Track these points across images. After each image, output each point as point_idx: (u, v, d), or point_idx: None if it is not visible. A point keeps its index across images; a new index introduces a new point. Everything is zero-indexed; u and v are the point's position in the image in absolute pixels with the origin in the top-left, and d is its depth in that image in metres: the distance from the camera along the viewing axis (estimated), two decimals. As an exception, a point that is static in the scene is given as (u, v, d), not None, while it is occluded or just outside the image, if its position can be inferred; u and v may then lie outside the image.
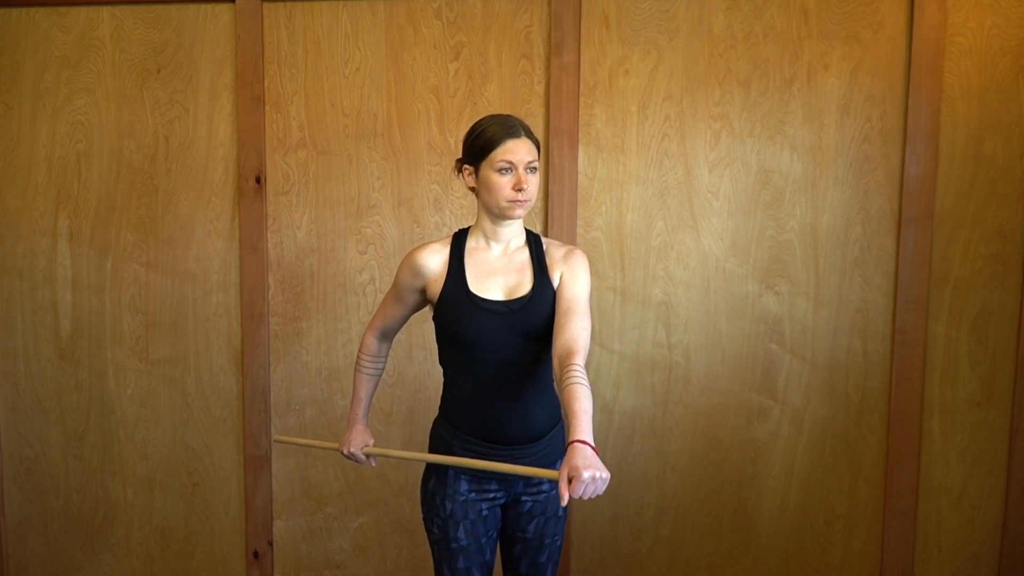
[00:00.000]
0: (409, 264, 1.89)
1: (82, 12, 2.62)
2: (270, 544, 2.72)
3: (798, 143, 2.47)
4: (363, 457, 2.02)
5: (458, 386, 1.87)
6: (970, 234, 2.45)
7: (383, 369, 2.09)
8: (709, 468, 2.59)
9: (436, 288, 1.85)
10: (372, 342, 2.04)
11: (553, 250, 1.89)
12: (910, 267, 2.44)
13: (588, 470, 1.48)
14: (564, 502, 1.48)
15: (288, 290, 2.65)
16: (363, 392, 2.05)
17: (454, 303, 1.82)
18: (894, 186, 2.45)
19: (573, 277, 1.84)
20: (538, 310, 1.82)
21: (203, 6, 2.59)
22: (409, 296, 1.93)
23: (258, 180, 2.61)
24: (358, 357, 2.07)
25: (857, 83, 2.44)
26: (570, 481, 1.48)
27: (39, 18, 2.63)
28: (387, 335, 2.05)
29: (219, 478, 2.74)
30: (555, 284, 1.85)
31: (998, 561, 2.52)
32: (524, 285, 1.84)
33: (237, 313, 2.67)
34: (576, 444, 1.54)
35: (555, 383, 1.70)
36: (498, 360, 1.82)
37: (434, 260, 1.86)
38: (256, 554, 2.72)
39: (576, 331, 1.75)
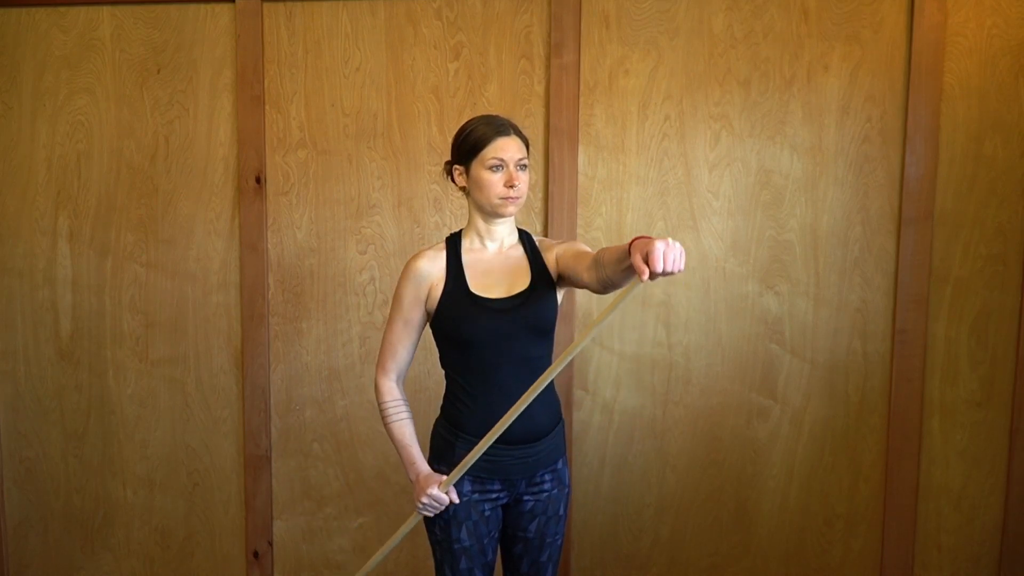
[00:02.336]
0: (412, 274, 1.86)
1: (82, 12, 2.62)
2: (270, 544, 2.72)
3: (798, 143, 2.47)
4: (446, 496, 1.80)
5: (461, 387, 1.87)
6: (970, 234, 2.45)
7: (409, 407, 1.93)
8: (709, 468, 2.59)
9: (437, 293, 1.85)
10: (391, 387, 1.90)
11: (546, 243, 1.93)
12: (910, 267, 2.44)
13: (659, 240, 1.45)
14: (645, 277, 1.44)
15: (288, 290, 2.65)
16: (408, 438, 1.88)
17: (456, 305, 1.82)
18: (894, 186, 2.45)
19: (567, 244, 1.88)
20: (540, 301, 1.83)
21: (203, 6, 2.60)
22: (416, 312, 1.87)
23: (258, 180, 2.61)
24: (382, 408, 1.89)
25: (857, 83, 2.44)
26: (646, 261, 1.44)
27: (39, 18, 2.63)
28: (401, 374, 1.92)
29: (219, 478, 2.74)
30: (552, 269, 1.87)
31: (998, 561, 2.52)
32: (523, 280, 1.86)
33: (237, 313, 2.67)
34: (634, 240, 1.51)
35: (600, 273, 1.65)
36: (502, 358, 1.82)
37: (434, 266, 1.85)
38: (256, 554, 2.72)
39: (591, 251, 1.76)
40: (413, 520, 1.86)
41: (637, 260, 1.46)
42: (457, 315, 1.82)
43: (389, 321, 1.90)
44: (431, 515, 1.82)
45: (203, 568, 2.78)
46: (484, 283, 1.84)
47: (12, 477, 2.80)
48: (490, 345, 1.81)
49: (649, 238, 1.49)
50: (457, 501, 1.81)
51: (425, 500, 1.80)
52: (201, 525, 2.76)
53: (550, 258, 1.89)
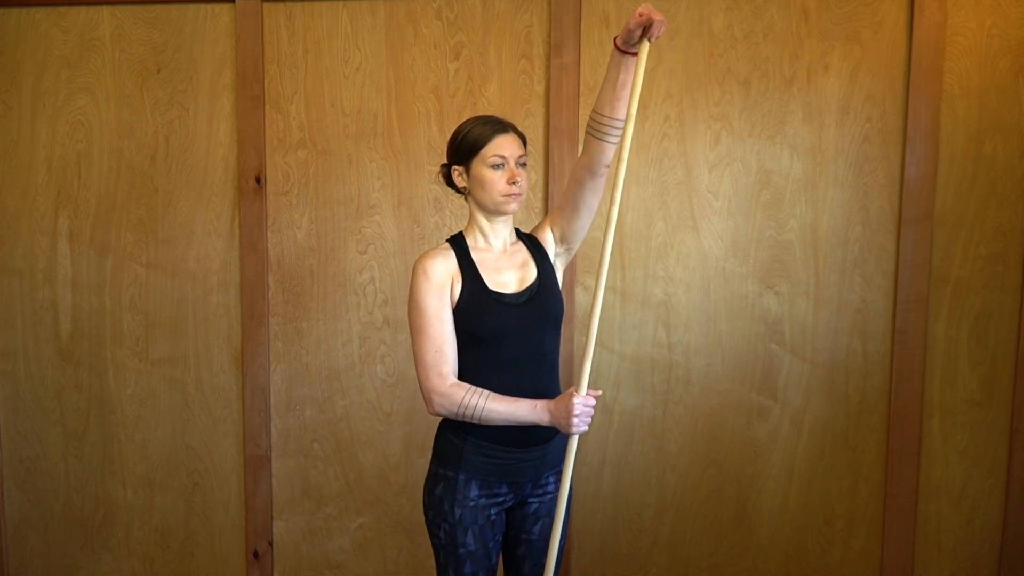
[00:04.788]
0: (430, 273, 1.81)
1: (82, 12, 2.62)
2: (270, 544, 2.72)
3: (798, 143, 2.47)
4: (591, 398, 1.74)
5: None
6: (970, 234, 2.45)
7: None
8: (709, 468, 2.59)
9: (455, 292, 1.82)
10: (457, 383, 1.79)
11: (536, 230, 1.97)
12: (910, 267, 2.44)
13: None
14: (655, 17, 1.62)
15: (288, 290, 2.65)
16: (510, 399, 1.78)
17: (476, 303, 1.81)
18: (894, 186, 2.45)
19: (550, 215, 1.96)
20: (550, 290, 1.87)
21: (203, 6, 2.59)
22: (447, 309, 1.81)
23: (258, 180, 2.61)
24: (465, 405, 1.76)
25: (857, 83, 2.44)
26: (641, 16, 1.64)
27: (39, 18, 2.63)
28: (455, 372, 1.82)
29: (219, 478, 2.74)
30: (548, 245, 1.92)
31: (998, 561, 2.52)
32: (531, 272, 1.87)
33: (237, 313, 2.67)
34: (615, 40, 1.69)
35: (596, 120, 1.76)
36: (521, 353, 1.82)
37: (448, 264, 1.83)
38: (256, 554, 2.72)
39: None
40: (573, 446, 1.76)
41: (634, 20, 1.63)
42: (480, 312, 1.80)
43: (421, 331, 1.79)
44: (587, 427, 1.73)
45: (203, 568, 2.78)
46: (498, 280, 1.84)
47: (12, 477, 2.80)
48: (512, 340, 1.81)
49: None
50: (600, 392, 1.77)
51: (578, 411, 1.71)
52: (201, 525, 2.76)
53: (544, 237, 1.93)
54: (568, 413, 1.72)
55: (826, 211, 2.48)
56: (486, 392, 1.78)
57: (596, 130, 1.76)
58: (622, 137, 1.72)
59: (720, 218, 2.51)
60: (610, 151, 1.77)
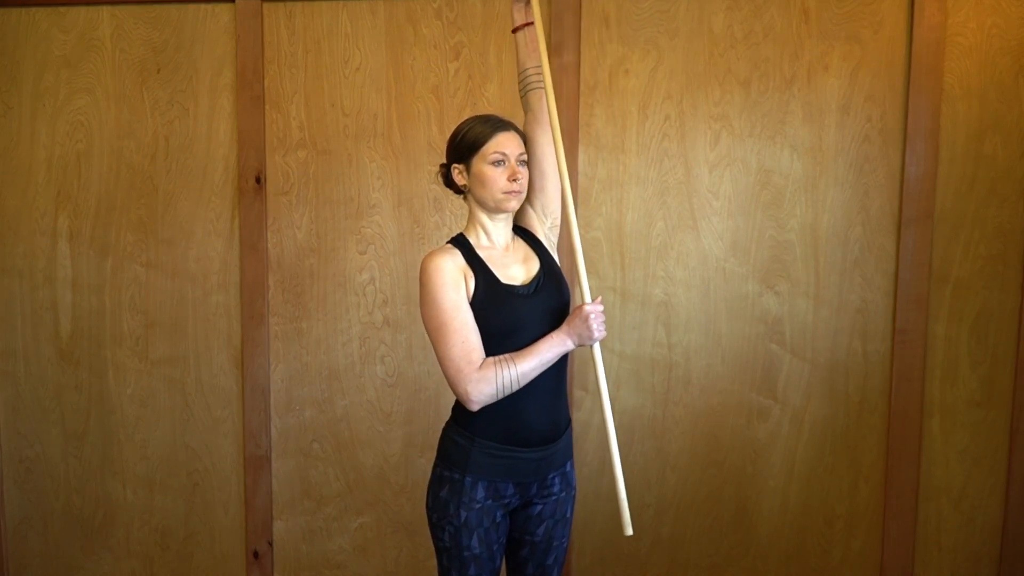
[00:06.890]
0: (443, 269, 1.78)
1: (82, 12, 2.62)
2: (270, 544, 2.72)
3: (798, 143, 2.47)
4: (595, 304, 1.80)
5: None
6: (970, 234, 2.45)
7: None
8: (709, 468, 2.59)
9: (470, 289, 1.81)
10: (487, 363, 1.77)
11: (523, 219, 1.97)
12: (910, 267, 2.44)
13: None
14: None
15: (288, 290, 2.65)
16: (530, 347, 1.79)
17: (492, 298, 1.80)
18: (894, 186, 2.45)
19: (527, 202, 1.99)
20: (556, 277, 1.89)
21: (203, 6, 2.60)
22: (464, 298, 1.79)
23: (258, 180, 2.61)
24: (501, 375, 1.75)
25: (857, 83, 2.44)
26: None
27: (39, 18, 2.63)
28: (482, 355, 1.78)
29: (219, 478, 2.74)
30: (539, 224, 1.94)
31: (998, 561, 2.52)
32: (534, 264, 1.88)
33: (237, 313, 2.67)
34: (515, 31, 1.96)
35: (521, 82, 1.97)
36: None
37: (457, 261, 1.82)
38: (256, 554, 2.72)
39: None
40: (599, 355, 1.81)
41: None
42: (496, 306, 1.79)
43: (444, 327, 1.76)
44: (605, 332, 1.81)
45: (203, 568, 2.78)
46: (507, 274, 1.84)
47: (12, 477, 2.80)
48: (527, 331, 1.80)
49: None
50: (600, 298, 1.85)
51: (594, 316, 1.78)
52: (201, 525, 2.76)
53: (530, 221, 1.95)
54: (586, 322, 1.78)
55: (826, 211, 2.48)
56: (508, 356, 1.77)
57: (528, 83, 1.94)
58: (543, 76, 1.87)
59: (720, 218, 2.51)
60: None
